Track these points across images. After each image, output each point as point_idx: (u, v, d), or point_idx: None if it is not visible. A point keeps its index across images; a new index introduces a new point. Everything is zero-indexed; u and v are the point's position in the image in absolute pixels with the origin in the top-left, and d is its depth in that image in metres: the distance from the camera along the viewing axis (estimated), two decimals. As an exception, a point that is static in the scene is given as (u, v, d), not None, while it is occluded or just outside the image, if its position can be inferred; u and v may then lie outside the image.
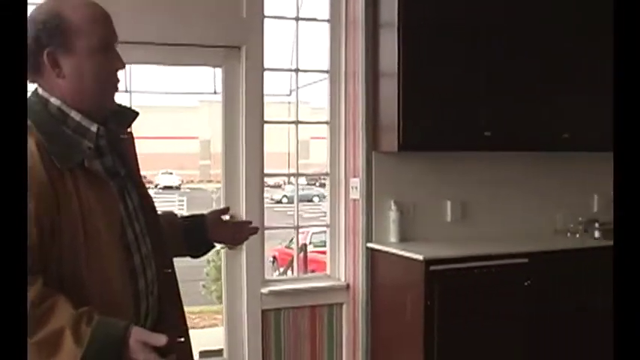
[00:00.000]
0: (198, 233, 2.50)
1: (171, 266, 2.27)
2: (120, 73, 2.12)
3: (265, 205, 5.24)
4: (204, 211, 2.58)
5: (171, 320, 2.20)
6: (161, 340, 1.81)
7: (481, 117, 4.97)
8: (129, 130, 2.25)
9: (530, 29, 5.17)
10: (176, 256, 2.37)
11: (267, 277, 5.26)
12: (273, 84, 5.45)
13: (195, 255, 2.56)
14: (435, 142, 4.88)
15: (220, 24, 4.86)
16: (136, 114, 2.25)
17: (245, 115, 4.95)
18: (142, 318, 2.08)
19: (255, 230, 2.64)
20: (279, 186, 20.98)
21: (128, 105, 2.42)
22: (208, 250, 2.57)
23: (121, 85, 2.15)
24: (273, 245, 13.34)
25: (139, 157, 2.26)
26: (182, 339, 2.22)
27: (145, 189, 2.25)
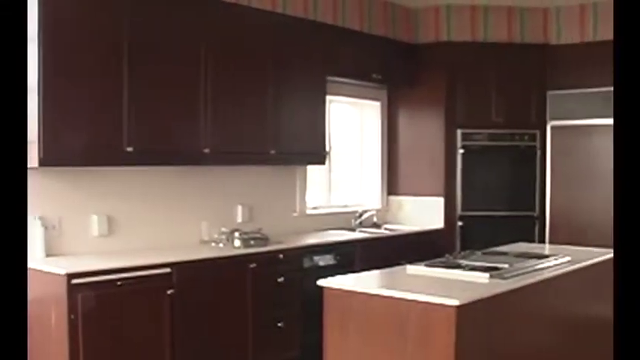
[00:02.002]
0: None
1: None
2: None
3: None
4: None
5: None
6: None
7: (123, 133, 5.08)
8: None
9: (172, 49, 5.42)
10: None
11: None
12: None
13: None
14: (78, 158, 4.90)
15: None
16: None
17: None
18: None
19: None
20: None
21: None
22: None
23: None
24: None
25: None
26: None
27: None
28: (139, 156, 5.15)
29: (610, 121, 7.26)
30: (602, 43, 7.63)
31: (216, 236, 5.86)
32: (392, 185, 8.22)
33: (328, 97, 7.01)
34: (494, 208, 7.89)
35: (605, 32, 7.62)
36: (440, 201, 7.81)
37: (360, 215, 7.59)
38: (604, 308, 5.63)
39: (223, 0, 5.80)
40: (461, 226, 7.80)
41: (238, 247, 5.65)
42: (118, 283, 4.74)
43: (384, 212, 8.11)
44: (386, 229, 7.54)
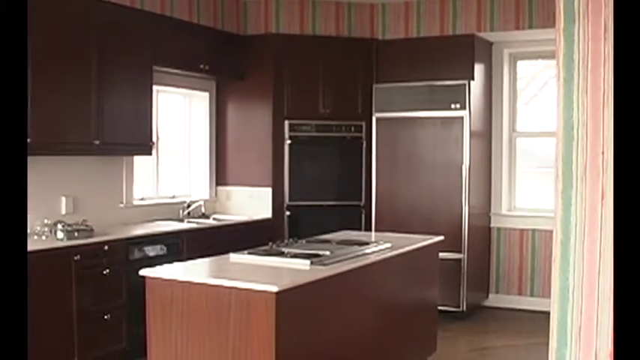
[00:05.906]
0: None
1: None
2: None
3: None
4: None
5: None
6: None
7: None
8: None
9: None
10: None
11: None
12: None
13: None
14: None
15: None
16: None
17: None
18: None
19: None
20: None
21: None
22: None
23: None
24: None
25: None
26: None
27: None
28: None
29: (431, 113, 7.63)
30: (425, 40, 7.98)
31: (38, 228, 5.71)
32: (220, 176, 8.25)
33: (155, 88, 6.98)
34: (321, 198, 8.08)
35: (428, 29, 7.96)
36: (268, 191, 7.92)
37: (188, 206, 7.59)
38: (425, 290, 5.91)
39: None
40: (289, 216, 7.94)
41: (61, 239, 5.52)
42: None
43: (213, 203, 8.14)
44: (214, 219, 7.58)
